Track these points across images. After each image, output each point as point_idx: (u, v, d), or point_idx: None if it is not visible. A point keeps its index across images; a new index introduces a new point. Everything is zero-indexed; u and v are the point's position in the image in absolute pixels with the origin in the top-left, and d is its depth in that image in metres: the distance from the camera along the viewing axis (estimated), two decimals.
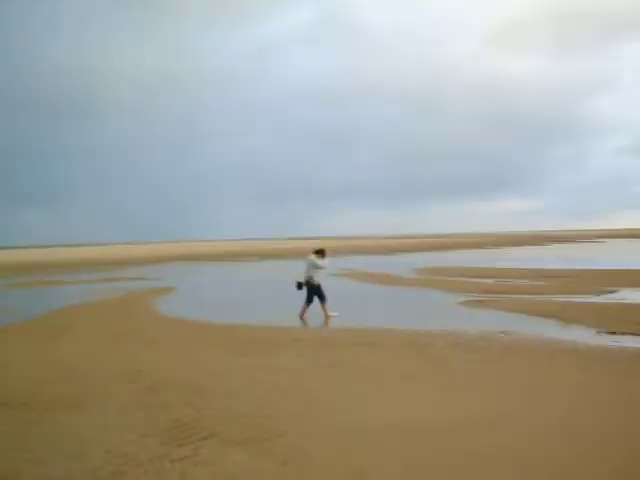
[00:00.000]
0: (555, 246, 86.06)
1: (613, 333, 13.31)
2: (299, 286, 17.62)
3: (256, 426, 7.01)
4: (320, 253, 17.93)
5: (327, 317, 17.04)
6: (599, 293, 21.50)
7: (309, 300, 17.52)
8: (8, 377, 10.26)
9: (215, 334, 14.36)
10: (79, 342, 13.70)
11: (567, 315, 16.00)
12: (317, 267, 17.59)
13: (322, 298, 17.44)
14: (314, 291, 17.50)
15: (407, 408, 7.59)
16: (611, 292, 21.84)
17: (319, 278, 17.67)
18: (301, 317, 17.18)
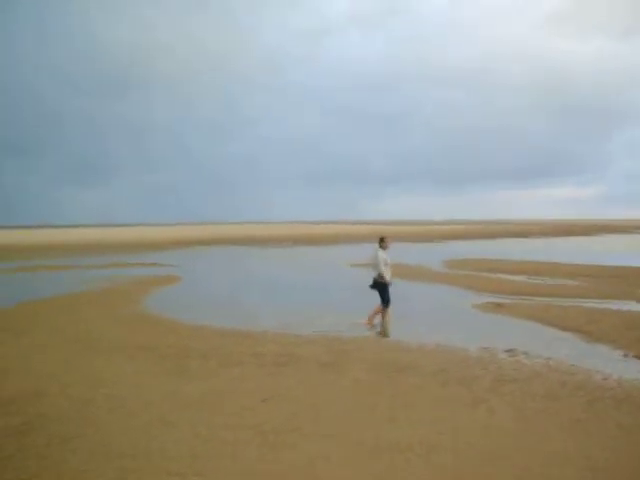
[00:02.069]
0: (607, 237, 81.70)
1: None
2: (372, 286, 14.94)
3: None
4: (382, 242, 15.05)
5: (370, 322, 14.59)
6: (637, 297, 18.74)
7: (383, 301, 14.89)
8: None
9: (172, 342, 12.32)
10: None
11: (594, 328, 13.48)
12: (380, 262, 14.76)
13: (382, 300, 14.81)
14: (378, 289, 14.86)
15: None
16: None
17: (387, 275, 14.79)
18: (375, 322, 14.65)
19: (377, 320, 14.78)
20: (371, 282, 14.99)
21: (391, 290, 14.93)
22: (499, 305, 17.42)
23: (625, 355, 11.07)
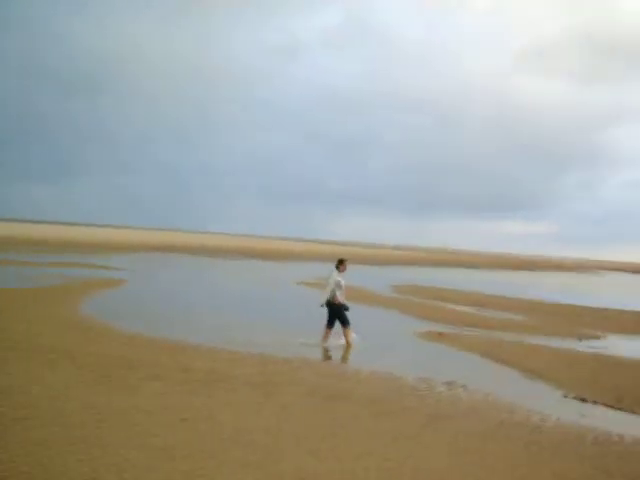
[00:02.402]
0: (553, 274, 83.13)
1: (583, 400, 10.59)
2: (324, 305, 14.67)
3: None
4: (339, 264, 14.89)
5: (348, 345, 14.38)
6: (582, 338, 18.72)
7: (329, 323, 14.67)
8: None
9: (99, 350, 11.64)
10: None
11: (536, 365, 13.29)
12: (330, 283, 14.62)
13: (343, 321, 14.55)
14: (333, 312, 14.60)
15: None
16: (596, 338, 19.07)
17: (341, 297, 14.62)
18: (322, 343, 14.47)
19: (329, 342, 14.43)
20: (323, 303, 14.66)
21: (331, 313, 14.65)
22: (442, 334, 17.17)
23: (565, 396, 10.85)
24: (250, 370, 10.70)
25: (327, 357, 13.48)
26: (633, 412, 10.02)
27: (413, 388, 10.37)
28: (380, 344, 15.17)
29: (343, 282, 14.70)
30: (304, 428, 7.50)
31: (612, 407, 10.23)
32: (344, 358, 13.47)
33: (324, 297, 14.61)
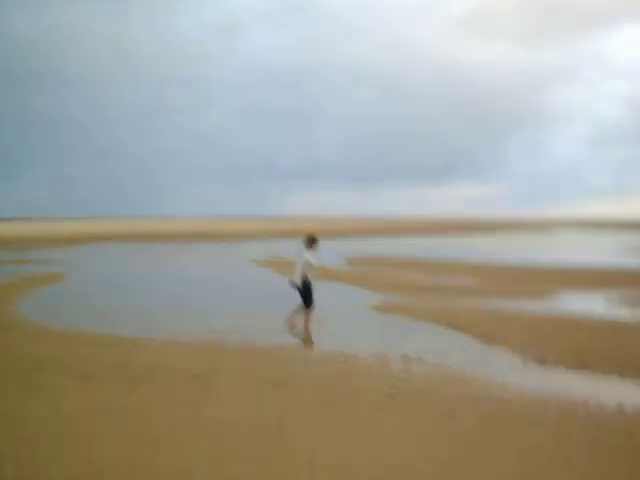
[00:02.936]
0: (505, 234, 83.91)
1: (543, 363, 10.21)
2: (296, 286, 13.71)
3: None
4: (309, 242, 13.90)
5: (307, 326, 13.52)
6: (536, 296, 18.46)
7: (305, 303, 13.74)
8: None
9: (29, 353, 10.78)
10: None
11: (493, 330, 12.87)
12: (299, 262, 13.73)
13: (307, 301, 13.65)
14: (302, 290, 13.68)
15: None
16: (551, 296, 18.85)
17: (311, 275, 13.69)
18: (304, 327, 13.61)
19: (299, 323, 13.75)
20: (298, 284, 13.79)
21: (291, 291, 13.89)
22: (397, 305, 16.69)
23: (523, 360, 10.44)
24: (192, 360, 9.98)
25: (279, 340, 12.81)
26: (594, 371, 9.65)
27: (366, 366, 9.80)
28: (332, 320, 14.52)
29: (313, 260, 13.90)
30: (246, 425, 6.82)
31: (573, 368, 9.84)
32: (298, 340, 12.78)
33: (296, 278, 13.79)
